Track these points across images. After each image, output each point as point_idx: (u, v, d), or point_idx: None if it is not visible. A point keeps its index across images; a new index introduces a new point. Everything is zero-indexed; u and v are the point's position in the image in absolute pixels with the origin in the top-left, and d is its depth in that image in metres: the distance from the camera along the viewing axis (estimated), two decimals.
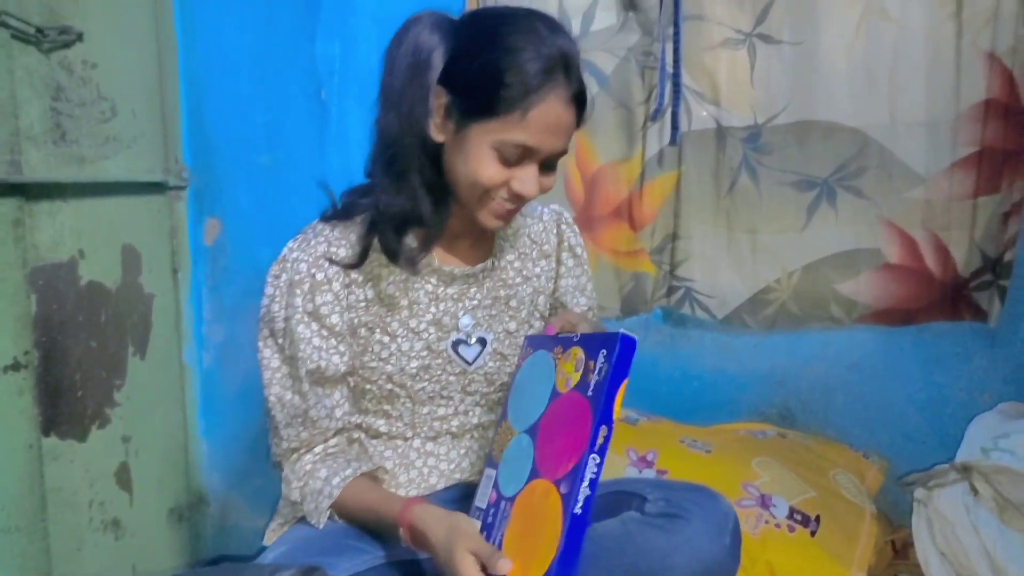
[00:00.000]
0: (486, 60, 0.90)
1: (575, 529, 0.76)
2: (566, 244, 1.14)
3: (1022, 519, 1.10)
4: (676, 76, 1.58)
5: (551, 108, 0.89)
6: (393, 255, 0.98)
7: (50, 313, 1.41)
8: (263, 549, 1.03)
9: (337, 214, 1.01)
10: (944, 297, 1.50)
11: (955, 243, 1.48)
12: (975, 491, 1.14)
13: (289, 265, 0.99)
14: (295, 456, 1.02)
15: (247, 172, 1.73)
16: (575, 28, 1.64)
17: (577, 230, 1.17)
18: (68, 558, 1.46)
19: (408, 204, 0.96)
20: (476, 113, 0.90)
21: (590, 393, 0.82)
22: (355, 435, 1.07)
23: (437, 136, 0.94)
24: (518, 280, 1.08)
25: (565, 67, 0.90)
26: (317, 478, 0.99)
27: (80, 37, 1.44)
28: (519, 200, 0.95)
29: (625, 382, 0.81)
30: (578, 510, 0.76)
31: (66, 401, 1.45)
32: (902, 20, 1.46)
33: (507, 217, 0.97)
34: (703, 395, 1.66)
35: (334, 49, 1.68)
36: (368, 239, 0.98)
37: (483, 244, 1.07)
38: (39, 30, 1.36)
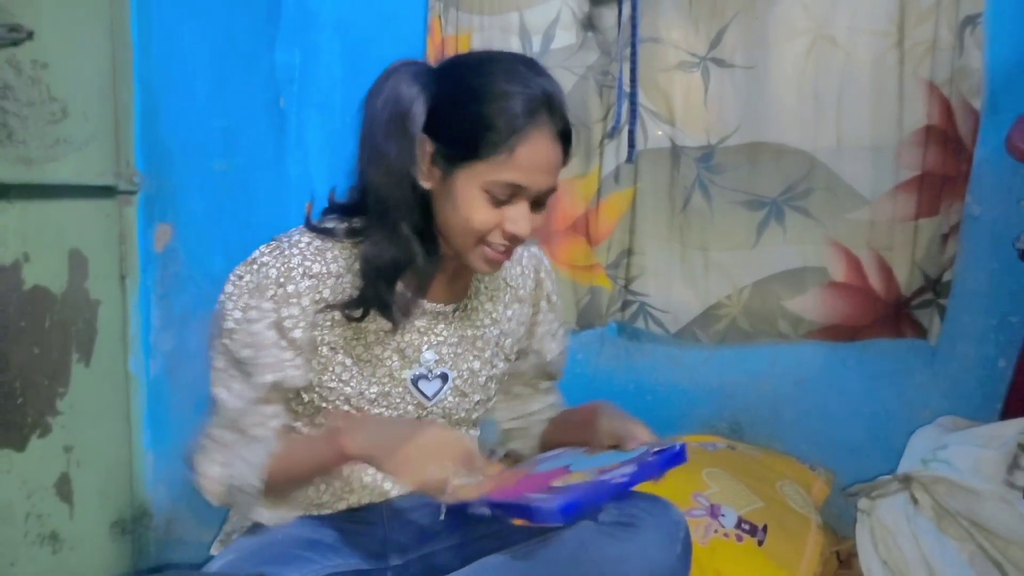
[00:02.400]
0: (470, 106, 0.90)
1: (601, 491, 0.82)
2: (544, 292, 1.15)
3: (958, 527, 1.13)
4: (633, 96, 1.61)
5: (538, 145, 0.90)
6: (386, 307, 0.96)
7: None
8: (210, 559, 1.01)
9: (318, 229, 0.98)
10: (887, 315, 1.55)
11: (897, 263, 1.53)
12: (915, 501, 1.18)
13: (257, 268, 0.96)
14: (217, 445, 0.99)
15: (202, 178, 1.70)
16: (535, 46, 1.67)
17: (554, 275, 1.17)
18: (0, 573, 1.41)
19: (400, 254, 0.95)
20: (462, 158, 0.91)
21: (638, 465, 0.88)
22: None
23: (425, 183, 0.94)
24: (487, 322, 1.09)
25: (549, 106, 0.91)
26: (246, 447, 0.97)
27: (31, 36, 1.42)
28: (513, 241, 0.95)
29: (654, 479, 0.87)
30: (620, 478, 0.83)
31: (5, 409, 1.40)
32: (849, 48, 1.51)
33: (500, 262, 0.97)
34: (656, 408, 1.68)
35: (294, 58, 1.67)
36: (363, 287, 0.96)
37: (459, 281, 1.06)
38: None
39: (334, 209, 1.02)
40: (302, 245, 0.98)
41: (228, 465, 0.97)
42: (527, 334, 1.16)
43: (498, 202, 0.92)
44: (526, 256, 1.15)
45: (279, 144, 1.66)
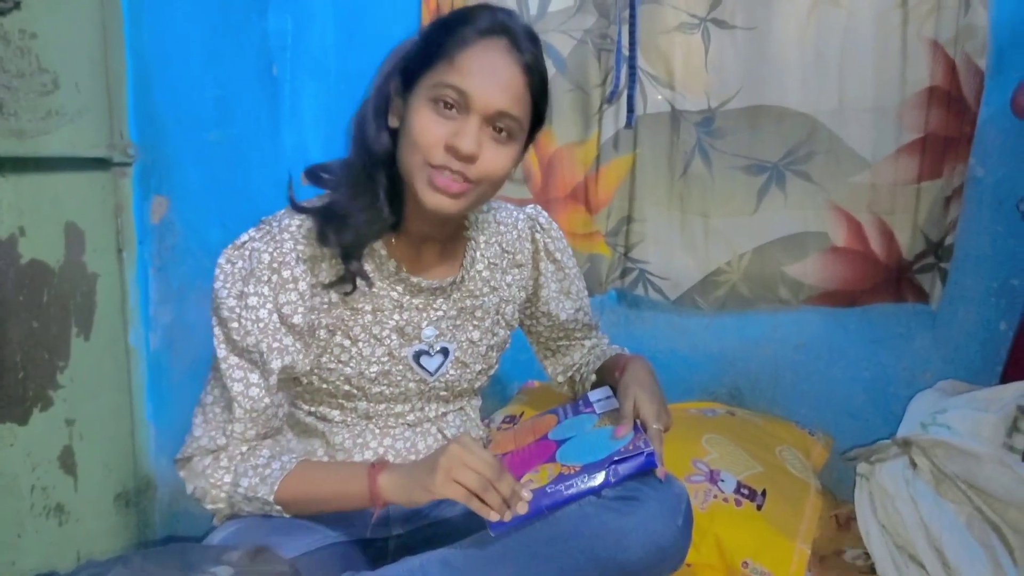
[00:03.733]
0: (429, 34, 0.93)
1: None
2: (543, 251, 1.14)
3: (956, 491, 1.14)
4: (632, 59, 1.58)
5: (485, 54, 0.89)
6: (348, 258, 0.95)
7: None
8: (212, 530, 1.02)
9: (305, 209, 0.98)
10: (888, 279, 1.54)
11: (899, 227, 1.52)
12: (914, 465, 1.18)
13: (248, 254, 0.95)
14: (232, 447, 0.98)
15: (196, 149, 1.68)
16: (532, 9, 1.64)
17: (556, 232, 1.15)
18: (8, 545, 1.42)
19: (362, 198, 0.95)
20: (415, 77, 0.92)
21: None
22: (307, 419, 1.05)
23: (393, 122, 0.95)
24: (486, 291, 1.08)
25: (505, 30, 0.91)
26: (259, 455, 0.98)
27: (17, 5, 1.39)
28: (462, 160, 0.90)
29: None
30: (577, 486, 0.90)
31: (6, 383, 1.41)
32: (851, 7, 1.48)
33: (447, 192, 0.91)
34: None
35: (286, 24, 1.64)
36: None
37: (452, 252, 1.05)
38: None
39: (322, 185, 1.01)
40: (292, 228, 0.96)
41: (239, 473, 0.96)
42: (532, 297, 1.15)
43: (445, 113, 0.90)
44: (522, 219, 1.13)
45: (273, 113, 1.63)
